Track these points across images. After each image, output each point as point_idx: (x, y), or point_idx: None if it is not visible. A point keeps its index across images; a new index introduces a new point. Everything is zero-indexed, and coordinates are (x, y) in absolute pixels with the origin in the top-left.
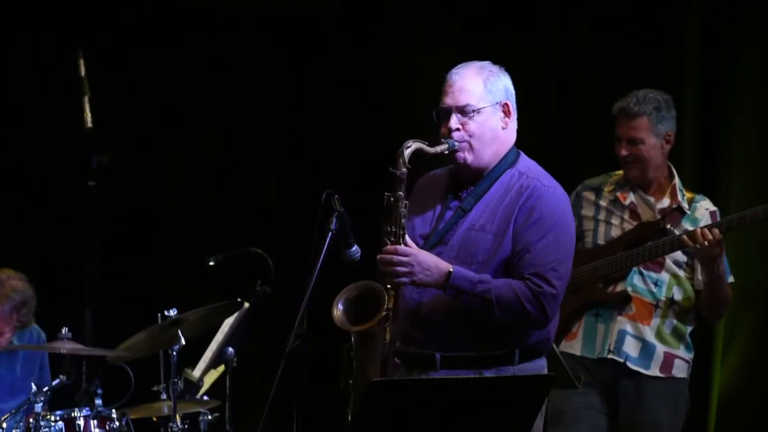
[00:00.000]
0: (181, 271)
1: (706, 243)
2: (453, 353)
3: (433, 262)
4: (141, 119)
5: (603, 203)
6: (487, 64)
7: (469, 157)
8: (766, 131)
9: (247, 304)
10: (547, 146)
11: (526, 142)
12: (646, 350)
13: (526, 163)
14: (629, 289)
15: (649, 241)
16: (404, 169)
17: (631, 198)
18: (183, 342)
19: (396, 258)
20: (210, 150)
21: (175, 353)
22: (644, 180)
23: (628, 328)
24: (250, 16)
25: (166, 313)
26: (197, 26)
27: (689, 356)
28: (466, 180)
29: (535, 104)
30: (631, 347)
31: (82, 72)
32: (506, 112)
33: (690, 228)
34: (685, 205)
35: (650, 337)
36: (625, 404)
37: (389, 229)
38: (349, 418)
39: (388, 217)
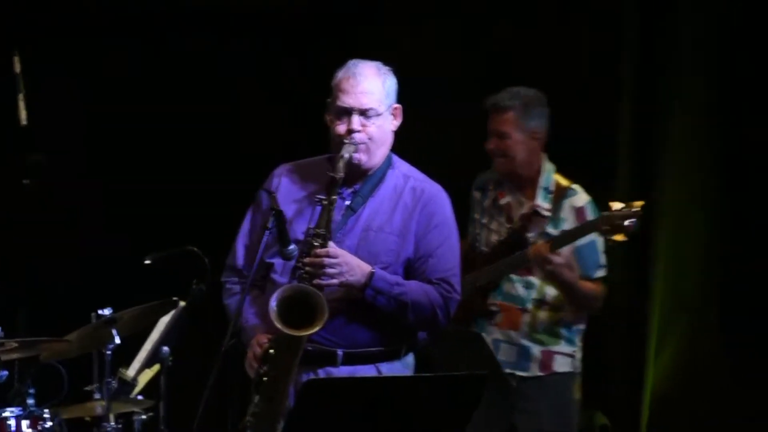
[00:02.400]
0: (116, 269)
1: (536, 262)
2: (354, 350)
3: (356, 263)
4: (76, 117)
5: (486, 203)
6: (380, 64)
7: (364, 158)
8: (704, 129)
9: (182, 303)
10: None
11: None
12: (522, 353)
13: (402, 163)
14: (499, 297)
15: (516, 250)
16: (341, 174)
17: (507, 198)
18: (117, 341)
19: (327, 260)
20: (145, 148)
21: (109, 352)
22: (513, 176)
23: (500, 336)
24: (191, 14)
25: (100, 312)
26: (136, 24)
27: (572, 349)
28: (347, 178)
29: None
30: (505, 354)
31: (17, 69)
32: (396, 115)
33: (553, 231)
34: (545, 206)
35: (523, 340)
36: (516, 411)
37: (318, 231)
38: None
39: (319, 218)
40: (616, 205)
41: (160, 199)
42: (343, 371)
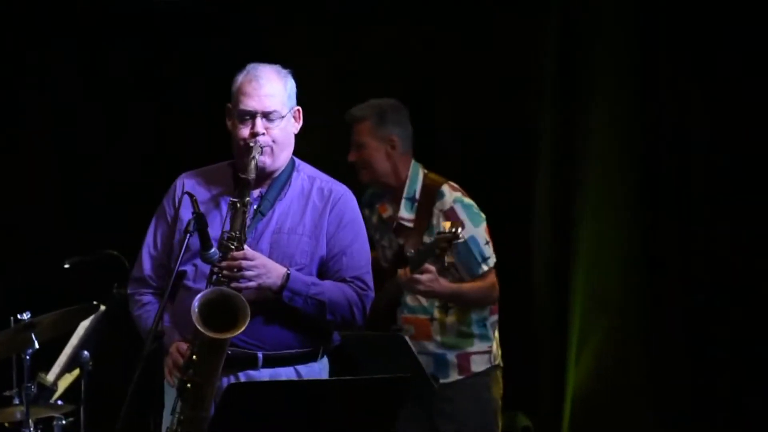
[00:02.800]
0: (35, 273)
1: (407, 288)
2: (274, 352)
3: (272, 265)
4: None
5: (374, 220)
6: (279, 67)
7: (268, 162)
8: (621, 126)
9: (103, 307)
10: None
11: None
12: (439, 362)
13: (305, 166)
14: (405, 311)
15: (402, 264)
16: (253, 176)
17: (389, 212)
18: (37, 346)
19: (245, 263)
20: (60, 150)
21: (28, 357)
22: (382, 187)
23: (416, 348)
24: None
25: (19, 316)
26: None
27: (487, 345)
28: (251, 182)
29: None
30: (425, 365)
31: None
32: (296, 118)
33: (429, 240)
34: (408, 216)
35: (437, 348)
36: (439, 416)
37: (233, 234)
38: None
39: (233, 221)
40: (447, 225)
41: (82, 200)
42: (264, 374)
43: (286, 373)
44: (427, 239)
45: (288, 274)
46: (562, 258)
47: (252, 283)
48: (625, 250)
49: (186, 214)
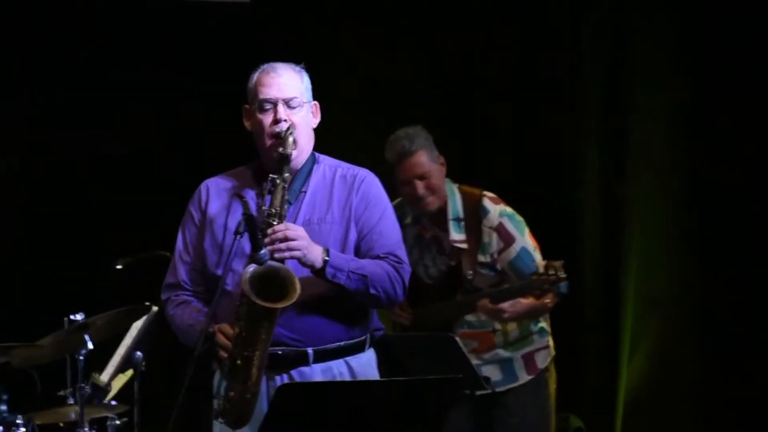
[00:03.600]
0: (88, 274)
1: (490, 317)
2: (322, 346)
3: (312, 241)
4: (45, 120)
5: (409, 239)
6: (293, 64)
7: (294, 152)
8: (671, 128)
9: (155, 308)
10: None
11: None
12: (506, 367)
13: (325, 157)
14: (465, 326)
15: (459, 284)
16: (290, 150)
17: (430, 232)
18: (90, 346)
19: (290, 233)
20: (118, 151)
21: (82, 358)
22: (441, 208)
23: (478, 361)
24: (145, 14)
25: (73, 317)
26: (92, 26)
27: (545, 340)
28: (274, 173)
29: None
30: (492, 374)
31: None
32: (314, 113)
33: (483, 258)
34: (459, 237)
35: (502, 354)
36: (508, 419)
37: (273, 210)
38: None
39: (273, 198)
40: (541, 265)
41: (134, 200)
42: (315, 369)
43: (336, 366)
44: (481, 258)
45: (328, 250)
46: (613, 259)
47: (297, 253)
48: (675, 251)
49: (218, 217)
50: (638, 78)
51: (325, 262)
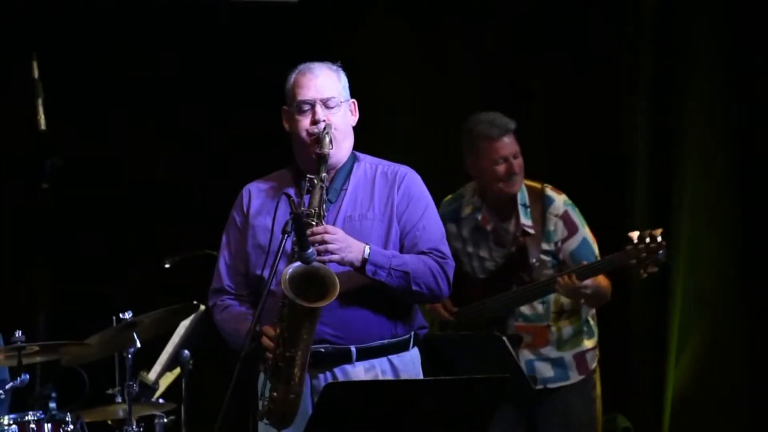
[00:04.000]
0: (136, 273)
1: (568, 293)
2: (366, 344)
3: (351, 240)
4: (94, 121)
5: (466, 233)
6: (330, 63)
7: (333, 151)
8: (719, 131)
9: (202, 307)
10: None
11: None
12: (559, 365)
13: (366, 156)
14: (519, 319)
15: (520, 273)
16: (327, 150)
17: (492, 223)
18: (138, 345)
19: (328, 236)
20: (164, 152)
21: (130, 356)
22: (509, 196)
23: (532, 356)
24: (199, 17)
25: (121, 315)
26: (152, 27)
27: (594, 340)
28: (313, 173)
29: None
30: (544, 370)
31: (36, 74)
32: (353, 112)
33: (547, 246)
34: (528, 223)
35: (555, 353)
36: (553, 419)
37: (312, 211)
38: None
39: (311, 199)
40: (634, 235)
41: (181, 201)
42: (358, 367)
43: (380, 364)
44: (545, 246)
45: (369, 247)
46: None
47: (335, 257)
48: (723, 250)
49: (260, 219)
50: (685, 70)
51: (365, 260)
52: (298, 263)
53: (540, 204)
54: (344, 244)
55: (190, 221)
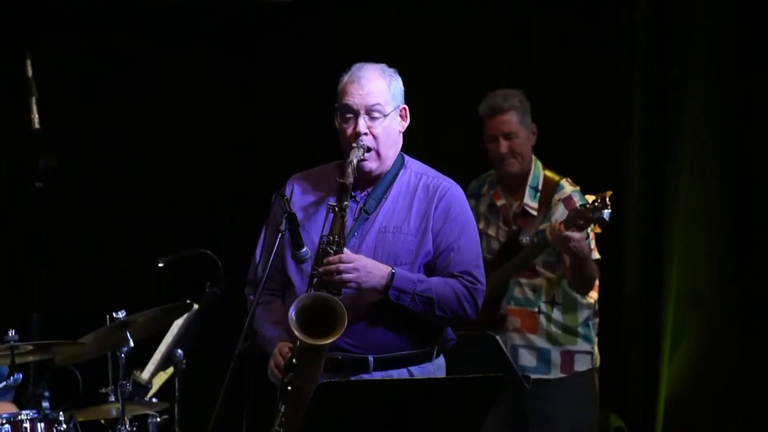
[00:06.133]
0: (130, 272)
1: (557, 242)
2: (384, 354)
3: (373, 265)
4: (89, 120)
5: (482, 209)
6: (385, 66)
7: (374, 166)
8: (714, 129)
9: (196, 306)
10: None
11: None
12: (542, 357)
13: (414, 162)
14: (511, 303)
15: (514, 252)
16: (351, 180)
17: (502, 200)
18: (132, 344)
19: (342, 266)
20: (159, 151)
21: (123, 355)
22: (521, 175)
23: (519, 341)
24: (195, 16)
25: (114, 314)
26: (146, 26)
27: (589, 346)
28: (355, 183)
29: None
30: (527, 359)
31: (30, 73)
32: (403, 116)
33: (544, 227)
34: (532, 204)
35: (542, 343)
36: (534, 415)
37: (332, 238)
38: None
39: (332, 225)
40: (590, 198)
41: (174, 201)
42: (375, 377)
43: (398, 375)
44: (543, 226)
45: (393, 273)
46: (655, 256)
47: (352, 285)
48: (718, 248)
49: (300, 216)
50: (680, 71)
51: (388, 285)
52: (308, 294)
53: (551, 191)
54: (362, 272)
55: (185, 220)
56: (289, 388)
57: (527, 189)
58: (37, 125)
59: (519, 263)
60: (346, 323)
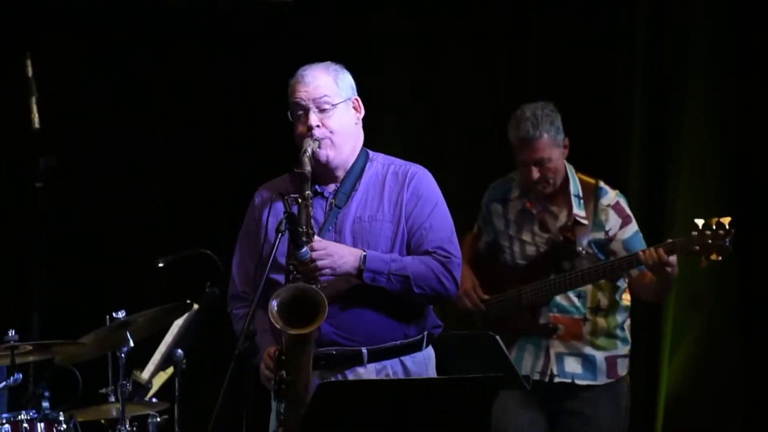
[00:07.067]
0: (130, 272)
1: (651, 265)
2: (377, 346)
3: (346, 250)
4: (89, 120)
5: (511, 216)
6: (330, 63)
7: (331, 154)
8: (714, 129)
9: (196, 306)
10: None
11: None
12: (589, 363)
13: (379, 155)
14: (554, 310)
15: (562, 261)
16: (309, 168)
17: (538, 208)
18: (132, 344)
19: (315, 254)
20: (158, 151)
21: (123, 355)
22: (555, 190)
23: (564, 348)
24: (195, 16)
25: (114, 314)
26: (146, 27)
27: (627, 349)
28: (320, 179)
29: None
30: (573, 365)
31: (30, 73)
32: (356, 108)
33: (599, 236)
34: (581, 213)
35: (587, 349)
36: (577, 420)
37: (301, 230)
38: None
39: (298, 217)
40: (700, 222)
41: (174, 201)
42: (370, 369)
43: (391, 366)
44: (595, 235)
45: (365, 255)
46: None
47: (327, 271)
48: None
49: (272, 220)
50: (680, 72)
51: (361, 268)
52: (285, 287)
53: (593, 196)
54: (336, 256)
55: (185, 220)
56: (283, 386)
57: (572, 198)
58: (37, 125)
59: (565, 285)
60: (327, 309)
